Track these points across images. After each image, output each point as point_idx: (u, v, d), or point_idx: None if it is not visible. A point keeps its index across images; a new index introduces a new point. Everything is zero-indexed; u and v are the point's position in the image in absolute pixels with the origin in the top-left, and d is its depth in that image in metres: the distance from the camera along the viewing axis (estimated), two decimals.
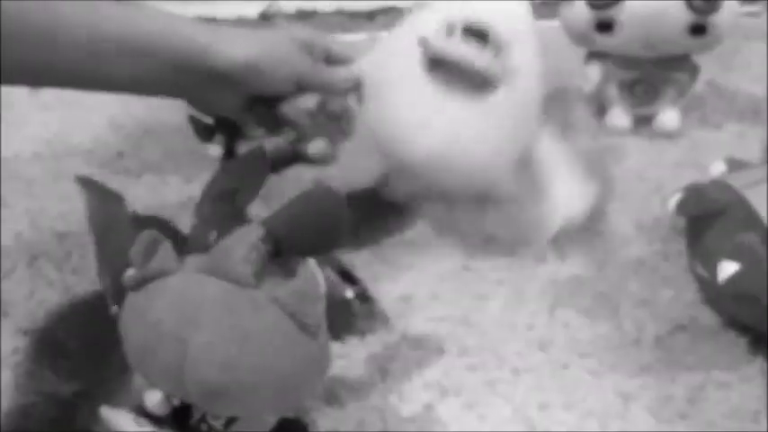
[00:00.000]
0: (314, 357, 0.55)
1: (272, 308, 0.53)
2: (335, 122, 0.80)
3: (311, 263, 0.57)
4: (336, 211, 0.59)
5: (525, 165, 0.77)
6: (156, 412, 0.58)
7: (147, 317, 0.55)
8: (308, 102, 0.78)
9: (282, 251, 0.57)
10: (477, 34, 0.72)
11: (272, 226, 0.57)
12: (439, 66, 0.72)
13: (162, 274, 0.55)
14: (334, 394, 0.66)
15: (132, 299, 0.57)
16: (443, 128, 0.74)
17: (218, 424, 0.58)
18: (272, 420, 0.59)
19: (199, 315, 0.53)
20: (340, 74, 0.77)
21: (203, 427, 0.58)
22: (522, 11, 0.75)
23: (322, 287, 0.55)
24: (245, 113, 0.78)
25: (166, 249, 0.56)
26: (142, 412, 0.59)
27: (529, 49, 0.74)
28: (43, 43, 0.65)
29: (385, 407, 0.65)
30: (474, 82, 0.72)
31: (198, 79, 0.72)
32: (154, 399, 0.58)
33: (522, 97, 0.74)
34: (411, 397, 0.66)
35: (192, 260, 0.57)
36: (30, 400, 0.67)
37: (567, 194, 0.78)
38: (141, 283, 0.56)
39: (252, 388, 0.53)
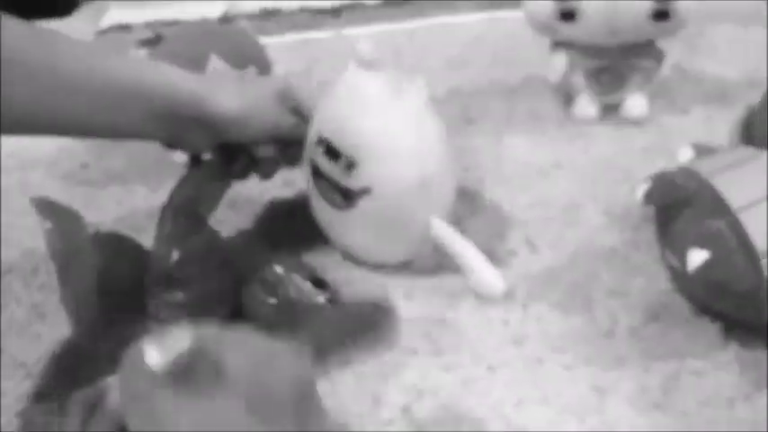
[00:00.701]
0: None
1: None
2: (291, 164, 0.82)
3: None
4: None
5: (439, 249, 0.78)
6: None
7: None
8: (269, 150, 0.80)
9: None
10: (332, 151, 0.75)
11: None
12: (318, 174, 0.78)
13: None
14: None
15: None
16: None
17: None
18: None
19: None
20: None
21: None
22: (395, 127, 0.74)
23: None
24: (212, 152, 0.81)
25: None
26: None
27: (392, 163, 0.74)
28: (42, 88, 0.66)
29: (361, 411, 0.65)
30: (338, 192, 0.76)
31: (187, 126, 0.74)
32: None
33: (384, 209, 0.75)
34: (387, 400, 0.66)
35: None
36: (4, 419, 0.66)
37: (482, 274, 0.76)
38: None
39: None
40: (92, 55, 0.71)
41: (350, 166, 0.73)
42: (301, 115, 0.79)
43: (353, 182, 0.74)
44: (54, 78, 0.66)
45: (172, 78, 0.73)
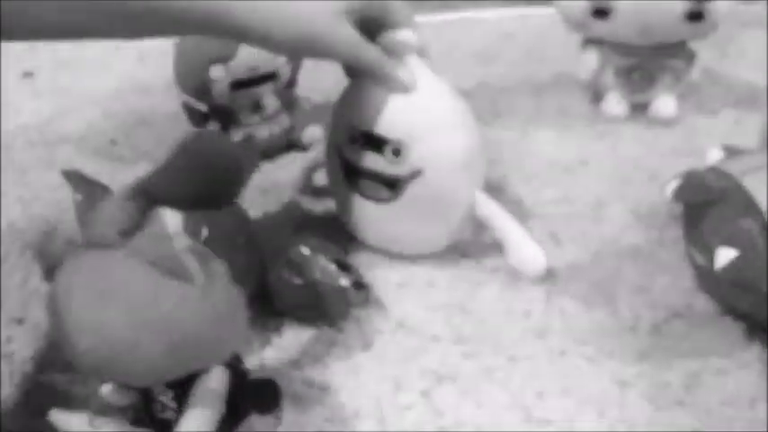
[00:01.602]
0: (190, 299, 0.53)
1: (132, 263, 0.52)
2: None
3: (159, 210, 0.55)
4: (219, 157, 0.57)
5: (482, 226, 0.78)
6: (115, 403, 0.57)
7: (49, 309, 0.55)
8: None
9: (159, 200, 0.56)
10: (375, 140, 0.73)
11: (142, 181, 0.56)
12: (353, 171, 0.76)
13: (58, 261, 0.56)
14: (330, 382, 0.67)
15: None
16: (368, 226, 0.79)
17: (167, 400, 0.57)
18: (222, 388, 0.57)
19: (70, 293, 0.53)
20: (387, 70, 0.72)
21: (157, 407, 0.57)
22: (429, 104, 0.73)
23: (173, 227, 0.54)
24: None
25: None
26: (105, 410, 0.58)
27: (440, 139, 0.73)
28: None
29: (381, 395, 0.65)
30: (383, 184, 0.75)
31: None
32: (106, 390, 0.57)
33: (434, 190, 0.74)
34: (407, 385, 0.66)
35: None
36: (25, 389, 0.66)
37: (524, 250, 0.76)
38: (47, 275, 0.60)
39: (136, 345, 0.52)
40: None
41: (397, 151, 0.72)
42: (381, 26, 0.72)
43: (402, 168, 0.73)
44: None
45: (213, 6, 0.65)
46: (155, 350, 0.52)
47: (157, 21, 0.64)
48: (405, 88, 0.72)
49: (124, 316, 0.51)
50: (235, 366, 0.58)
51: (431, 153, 0.73)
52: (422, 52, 0.74)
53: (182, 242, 0.53)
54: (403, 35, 0.72)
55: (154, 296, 0.52)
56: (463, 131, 0.74)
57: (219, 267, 0.56)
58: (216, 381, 0.56)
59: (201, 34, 0.69)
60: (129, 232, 0.54)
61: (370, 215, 0.78)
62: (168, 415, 0.57)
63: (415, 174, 0.73)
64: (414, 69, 0.72)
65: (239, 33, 0.67)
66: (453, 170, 0.74)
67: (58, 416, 0.58)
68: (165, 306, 0.52)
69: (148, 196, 0.55)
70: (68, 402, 0.65)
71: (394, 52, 0.72)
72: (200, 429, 0.55)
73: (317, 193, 0.87)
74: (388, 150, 0.73)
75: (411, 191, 0.74)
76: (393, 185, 0.74)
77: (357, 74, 0.74)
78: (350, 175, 0.77)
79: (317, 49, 0.69)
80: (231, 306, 0.56)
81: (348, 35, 0.69)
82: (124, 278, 0.52)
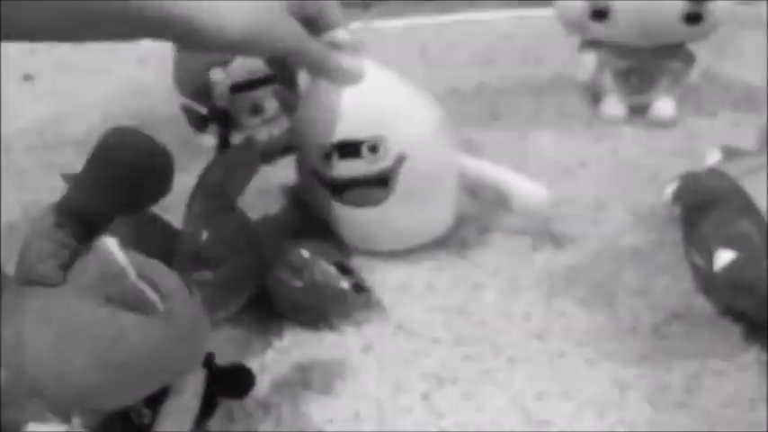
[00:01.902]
0: (153, 331, 0.52)
1: (85, 299, 0.51)
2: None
3: (104, 239, 0.52)
4: (133, 155, 0.55)
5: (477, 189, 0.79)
6: (89, 427, 0.55)
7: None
8: None
9: (95, 220, 0.55)
10: (350, 147, 0.73)
11: (62, 201, 0.54)
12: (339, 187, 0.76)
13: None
14: (330, 384, 0.67)
15: None
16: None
17: (141, 407, 0.56)
18: (196, 401, 0.57)
19: (26, 332, 0.51)
20: (332, 61, 0.72)
21: (134, 414, 0.56)
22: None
23: (120, 257, 0.50)
24: None
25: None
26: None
27: (410, 118, 0.74)
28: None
29: (381, 397, 0.66)
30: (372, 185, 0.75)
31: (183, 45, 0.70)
32: (76, 422, 0.55)
33: (423, 168, 0.75)
34: (407, 387, 0.66)
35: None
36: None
37: (522, 188, 0.78)
38: None
39: (106, 383, 0.51)
40: None
41: (374, 147, 0.73)
42: (315, 26, 0.72)
43: (386, 161, 0.73)
44: None
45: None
46: (124, 384, 0.52)
47: (112, 22, 0.62)
48: (355, 77, 0.72)
49: (90, 358, 0.50)
50: (206, 359, 0.58)
51: (406, 134, 0.73)
52: (358, 51, 0.74)
53: (132, 272, 0.51)
54: (338, 35, 0.72)
55: (118, 335, 0.50)
56: (425, 104, 0.75)
57: (170, 281, 0.54)
58: (190, 382, 0.56)
59: (156, 36, 0.65)
60: (67, 263, 0.52)
61: (370, 222, 0.78)
62: (146, 420, 0.56)
63: (400, 159, 0.74)
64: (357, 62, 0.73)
65: (192, 30, 0.63)
66: (433, 141, 0.75)
67: (33, 427, 0.56)
68: (131, 343, 0.51)
69: (74, 215, 0.53)
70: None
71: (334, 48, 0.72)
72: (178, 429, 0.56)
73: None
74: (365, 151, 0.73)
75: (402, 179, 0.74)
76: (383, 181, 0.74)
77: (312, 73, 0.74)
78: (337, 192, 0.77)
79: (267, 42, 0.67)
80: (192, 320, 0.55)
81: (295, 28, 0.68)
82: (83, 318, 0.50)
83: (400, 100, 0.74)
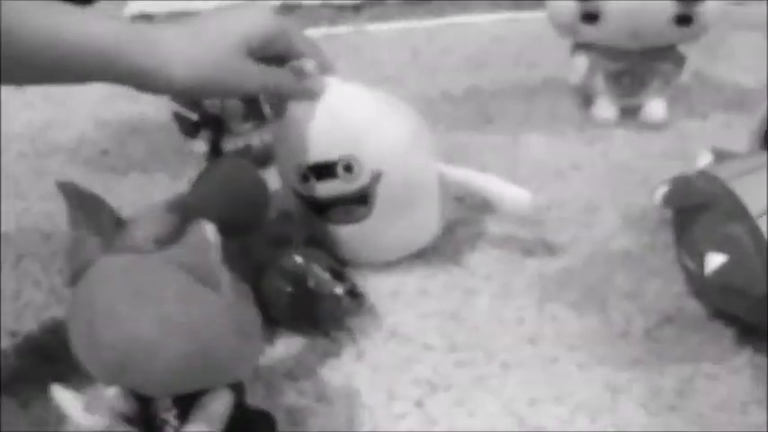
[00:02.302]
0: (219, 309, 0.54)
1: (167, 267, 0.54)
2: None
3: (202, 222, 0.55)
4: (250, 186, 0.61)
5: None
6: (116, 408, 0.57)
7: (73, 307, 0.56)
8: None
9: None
10: (324, 168, 0.73)
11: (182, 199, 0.59)
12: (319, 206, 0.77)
13: (87, 264, 0.56)
14: (323, 391, 0.67)
15: (70, 296, 0.58)
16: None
17: (170, 417, 0.57)
18: (224, 411, 0.57)
19: (102, 290, 0.54)
20: (289, 83, 0.72)
21: (158, 423, 0.57)
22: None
23: (213, 238, 0.54)
24: None
25: (91, 244, 0.57)
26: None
27: (381, 133, 0.74)
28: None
29: (374, 404, 0.66)
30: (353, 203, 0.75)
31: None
32: (109, 394, 0.56)
33: (401, 181, 0.75)
34: (400, 393, 0.67)
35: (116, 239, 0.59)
36: (19, 401, 0.67)
37: (506, 193, 0.78)
38: (74, 278, 0.57)
39: (160, 345, 0.53)
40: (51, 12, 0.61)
41: (348, 167, 0.73)
42: (281, 60, 0.72)
43: (362, 178, 0.74)
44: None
45: (105, 47, 0.62)
46: (176, 353, 0.53)
47: (43, 65, 0.61)
48: (315, 94, 0.72)
49: (152, 314, 0.53)
50: (238, 392, 0.58)
51: (379, 150, 0.73)
52: (328, 71, 0.74)
53: (218, 255, 0.54)
54: (303, 65, 0.72)
55: (184, 299, 0.53)
56: (398, 116, 0.75)
57: (245, 288, 0.58)
58: (219, 402, 0.56)
59: (94, 80, 0.65)
60: (164, 241, 0.56)
61: (355, 238, 0.78)
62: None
63: (376, 176, 0.74)
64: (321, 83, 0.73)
65: (138, 77, 0.64)
66: (408, 154, 0.75)
67: (58, 391, 0.58)
68: (193, 310, 0.53)
69: (185, 213, 0.57)
70: (61, 414, 0.65)
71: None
72: None
73: None
74: (340, 170, 0.73)
75: (381, 195, 0.74)
76: (362, 199, 0.75)
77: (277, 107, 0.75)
78: (319, 211, 0.77)
79: (218, 90, 0.70)
80: (251, 326, 0.58)
81: (252, 70, 0.68)
82: (156, 279, 0.54)
83: (371, 116, 0.74)
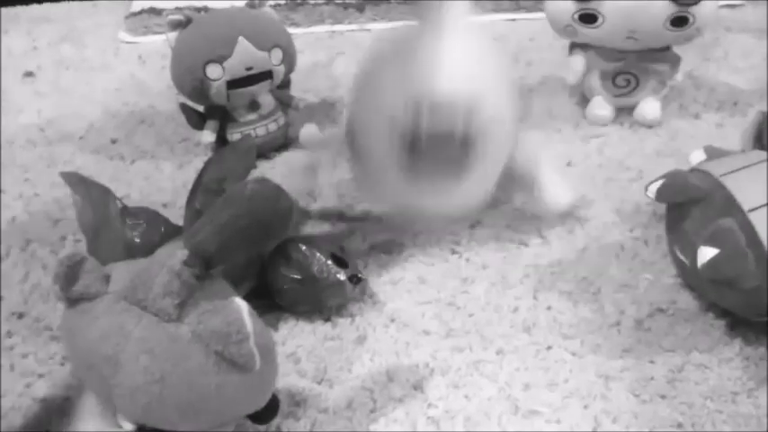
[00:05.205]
0: (246, 388, 0.55)
1: (195, 346, 0.53)
2: None
3: (237, 300, 0.56)
4: (270, 202, 0.57)
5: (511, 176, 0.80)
6: None
7: (79, 342, 0.56)
8: None
9: (213, 264, 0.57)
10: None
11: (199, 243, 0.56)
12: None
13: (86, 297, 0.56)
14: (324, 374, 0.69)
15: (67, 316, 0.57)
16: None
17: None
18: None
19: (121, 353, 0.54)
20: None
21: None
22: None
23: (248, 323, 0.54)
24: None
25: (90, 271, 0.56)
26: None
27: (495, 104, 0.73)
28: None
29: (374, 386, 0.67)
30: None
31: None
32: (127, 427, 0.57)
33: (496, 148, 0.75)
34: (399, 377, 0.68)
35: (119, 281, 0.57)
36: (25, 382, 0.68)
37: (553, 188, 0.82)
38: (70, 303, 0.56)
39: (183, 422, 0.54)
40: None
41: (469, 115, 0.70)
42: None
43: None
44: None
45: None
46: (197, 424, 0.56)
47: None
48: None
49: (180, 401, 0.53)
50: None
51: (495, 107, 0.72)
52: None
53: (246, 332, 0.53)
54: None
55: (216, 389, 0.53)
56: (502, 89, 0.75)
57: (267, 340, 0.58)
58: None
59: None
60: (185, 302, 0.54)
61: (433, 193, 0.75)
62: None
63: (485, 124, 0.71)
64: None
65: None
66: (511, 116, 0.75)
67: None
68: (223, 398, 0.54)
69: (203, 256, 0.56)
70: (67, 394, 0.67)
71: None
72: None
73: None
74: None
75: (481, 145, 0.72)
76: (464, 144, 0.71)
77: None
78: (412, 152, 0.71)
79: None
80: (271, 375, 0.59)
81: None
82: (188, 364, 0.53)
83: (495, 71, 0.74)
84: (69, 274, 0.55)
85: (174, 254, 0.55)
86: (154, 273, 0.55)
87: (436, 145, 0.71)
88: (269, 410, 0.61)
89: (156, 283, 0.54)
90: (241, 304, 0.55)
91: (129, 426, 0.57)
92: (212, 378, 0.53)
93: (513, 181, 0.81)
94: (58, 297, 0.57)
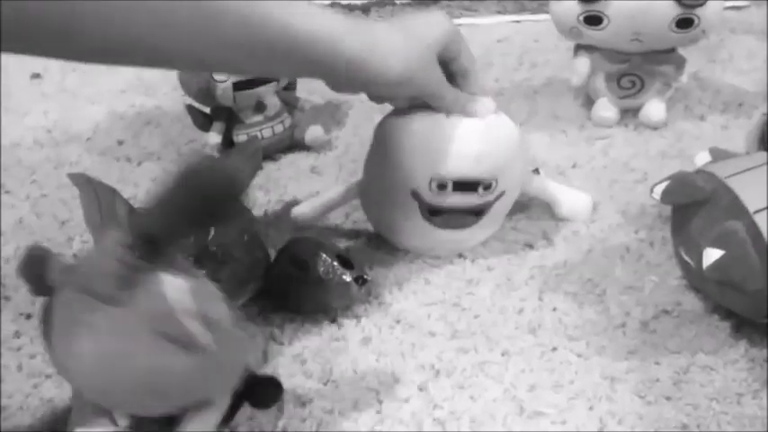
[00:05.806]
0: (203, 369, 0.55)
1: (141, 327, 0.53)
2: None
3: (167, 278, 0.54)
4: (207, 177, 0.55)
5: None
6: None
7: (48, 336, 0.56)
8: None
9: (162, 245, 0.55)
10: (465, 185, 0.75)
11: (140, 224, 0.55)
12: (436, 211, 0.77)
13: (50, 291, 0.56)
14: (330, 375, 0.69)
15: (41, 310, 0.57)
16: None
17: None
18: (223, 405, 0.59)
19: (74, 341, 0.54)
20: (457, 97, 0.74)
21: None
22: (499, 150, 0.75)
23: (188, 301, 0.53)
24: None
25: (54, 263, 0.56)
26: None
27: (516, 163, 0.77)
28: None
29: (379, 387, 0.67)
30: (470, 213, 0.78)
31: (340, 83, 0.70)
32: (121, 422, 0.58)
33: (510, 199, 0.80)
34: (405, 378, 0.68)
35: (72, 272, 0.56)
36: (33, 382, 0.69)
37: (572, 200, 0.84)
38: (43, 301, 0.56)
39: (140, 404, 0.55)
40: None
41: (489, 185, 0.75)
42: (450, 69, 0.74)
43: (491, 196, 0.76)
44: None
45: (332, 35, 0.63)
46: (159, 405, 0.56)
47: (280, 57, 0.63)
48: (474, 114, 0.73)
49: (130, 382, 0.53)
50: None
51: (512, 175, 0.77)
52: (484, 92, 0.76)
53: (187, 309, 0.53)
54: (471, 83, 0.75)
55: (162, 367, 0.53)
56: (525, 145, 0.80)
57: (221, 312, 0.56)
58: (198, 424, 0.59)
59: (310, 71, 0.67)
60: (128, 284, 0.53)
61: (445, 240, 0.80)
62: None
63: (500, 196, 0.77)
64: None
65: (355, 68, 0.65)
66: (522, 175, 0.80)
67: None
68: (173, 375, 0.54)
69: (147, 237, 0.54)
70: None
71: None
72: (203, 430, 0.58)
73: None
74: (480, 188, 0.75)
75: (493, 209, 0.78)
76: (480, 212, 0.78)
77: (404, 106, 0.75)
78: (431, 214, 0.77)
79: (417, 84, 0.70)
80: (233, 352, 0.58)
81: (439, 76, 0.72)
82: (132, 345, 0.53)
83: (515, 145, 0.76)
84: (31, 267, 0.56)
85: (111, 236, 0.55)
86: (95, 258, 0.55)
87: (456, 214, 0.77)
88: (269, 394, 0.61)
89: (99, 267, 0.54)
90: (184, 282, 0.54)
91: (123, 421, 0.57)
92: (161, 359, 0.53)
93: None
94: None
